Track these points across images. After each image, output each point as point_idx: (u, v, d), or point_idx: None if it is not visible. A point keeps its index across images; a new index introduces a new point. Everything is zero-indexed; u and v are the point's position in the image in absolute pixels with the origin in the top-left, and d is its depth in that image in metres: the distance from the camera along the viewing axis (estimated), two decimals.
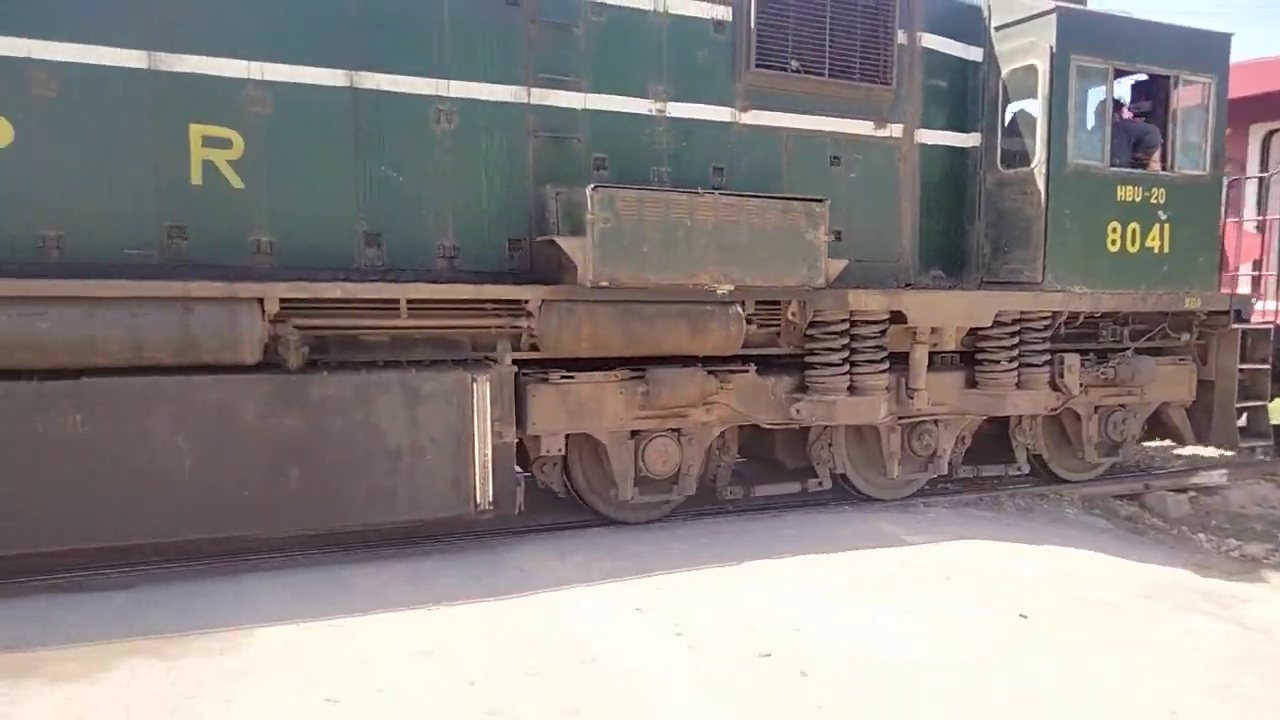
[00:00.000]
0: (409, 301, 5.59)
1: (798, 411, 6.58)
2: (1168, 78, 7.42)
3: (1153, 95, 7.72)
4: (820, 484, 7.18)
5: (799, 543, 6.00)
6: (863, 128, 7.03)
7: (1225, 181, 8.24)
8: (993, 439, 7.91)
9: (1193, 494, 8.16)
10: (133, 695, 3.74)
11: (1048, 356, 7.34)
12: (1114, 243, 7.38)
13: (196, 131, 5.30)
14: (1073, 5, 7.14)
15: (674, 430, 6.38)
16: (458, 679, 3.97)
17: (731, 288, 6.09)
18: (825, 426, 6.98)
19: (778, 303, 6.61)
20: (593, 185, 5.66)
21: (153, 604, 4.75)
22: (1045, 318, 7.27)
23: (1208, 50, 7.52)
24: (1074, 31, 7.01)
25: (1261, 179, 10.71)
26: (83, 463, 4.78)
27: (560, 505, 6.65)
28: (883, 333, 6.73)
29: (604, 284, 5.70)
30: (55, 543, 4.83)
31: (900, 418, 7.06)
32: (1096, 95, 7.45)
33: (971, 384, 7.26)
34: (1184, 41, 7.47)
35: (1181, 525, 7.55)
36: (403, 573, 5.34)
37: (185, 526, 5.04)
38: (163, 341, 4.87)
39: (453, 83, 5.85)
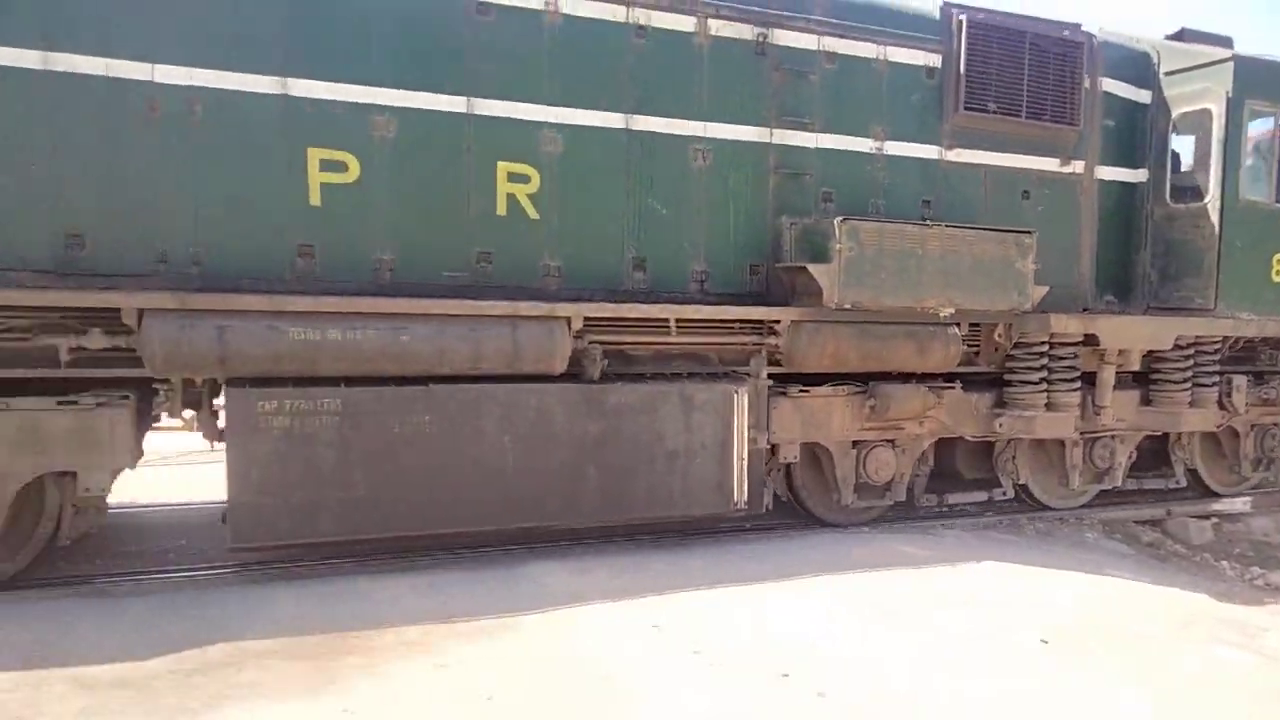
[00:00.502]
0: (678, 320, 6.24)
1: (1000, 425, 7.17)
2: None
3: None
4: (1004, 493, 7.76)
5: (818, 564, 5.92)
6: (1050, 164, 7.64)
7: None
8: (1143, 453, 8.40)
9: (1215, 521, 8.06)
10: None
11: (1216, 378, 7.89)
12: (1277, 273, 7.94)
13: (503, 169, 6.00)
14: (1245, 54, 7.74)
15: (889, 441, 6.98)
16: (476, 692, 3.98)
17: (953, 311, 6.71)
18: (1008, 440, 7.56)
19: (979, 325, 7.22)
20: (841, 218, 6.31)
21: (174, 609, 4.87)
22: (1217, 342, 7.83)
23: None
24: (1249, 78, 7.60)
25: None
26: (430, 458, 5.46)
27: (779, 508, 7.25)
28: (1076, 354, 7.31)
29: (847, 306, 6.33)
30: (406, 528, 5.50)
31: (1084, 432, 7.63)
32: (1255, 132, 8.03)
33: (1146, 402, 7.81)
34: None
35: (1204, 552, 7.43)
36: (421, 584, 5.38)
37: (507, 516, 5.70)
38: (496, 353, 5.54)
39: (709, 124, 6.52)
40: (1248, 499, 8.47)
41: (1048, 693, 4.19)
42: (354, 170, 5.66)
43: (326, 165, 5.59)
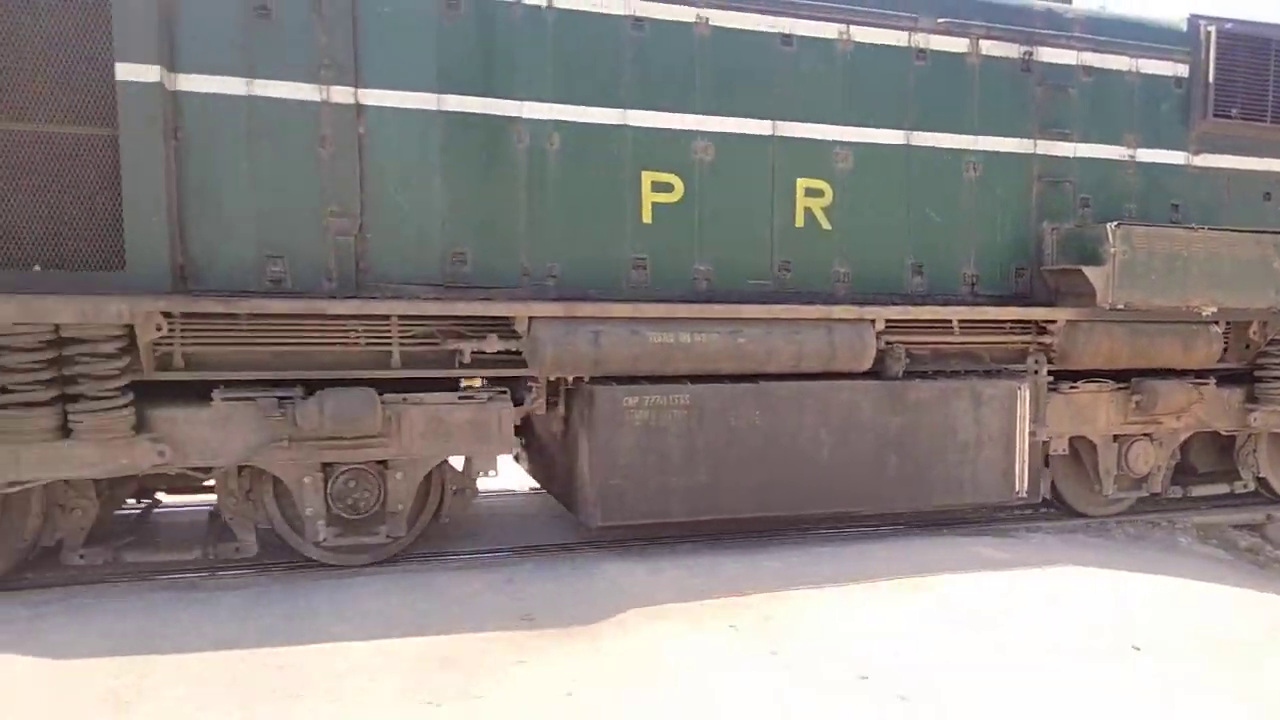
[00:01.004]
0: (959, 321, 6.71)
1: (1254, 420, 7.43)
2: None
3: None
4: (1245, 485, 7.99)
5: (893, 565, 5.87)
6: None
7: None
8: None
9: None
10: None
11: None
12: None
13: (801, 184, 6.56)
14: None
15: (1148, 435, 7.32)
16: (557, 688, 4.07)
17: (1215, 309, 7.02)
18: (1249, 435, 7.80)
19: (1230, 322, 7.49)
20: (1115, 223, 6.70)
21: (267, 603, 5.07)
22: None
23: None
24: None
25: None
26: (759, 448, 6.05)
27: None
28: None
29: (1120, 306, 6.71)
30: (739, 511, 6.10)
31: None
32: None
33: None
34: None
35: None
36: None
37: (820, 502, 6.26)
38: (815, 353, 6.11)
39: (979, 138, 6.98)
40: None
41: (1139, 699, 4.07)
42: (679, 190, 6.29)
43: (657, 186, 6.24)
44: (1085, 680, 4.26)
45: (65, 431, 4.89)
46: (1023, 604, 5.25)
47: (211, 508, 6.57)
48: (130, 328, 4.96)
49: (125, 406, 4.97)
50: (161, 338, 5.09)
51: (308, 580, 5.48)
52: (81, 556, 5.34)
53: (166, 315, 5.04)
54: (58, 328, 4.85)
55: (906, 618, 4.96)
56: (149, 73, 5.10)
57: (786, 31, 6.43)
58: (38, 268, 4.98)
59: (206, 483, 5.83)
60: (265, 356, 5.47)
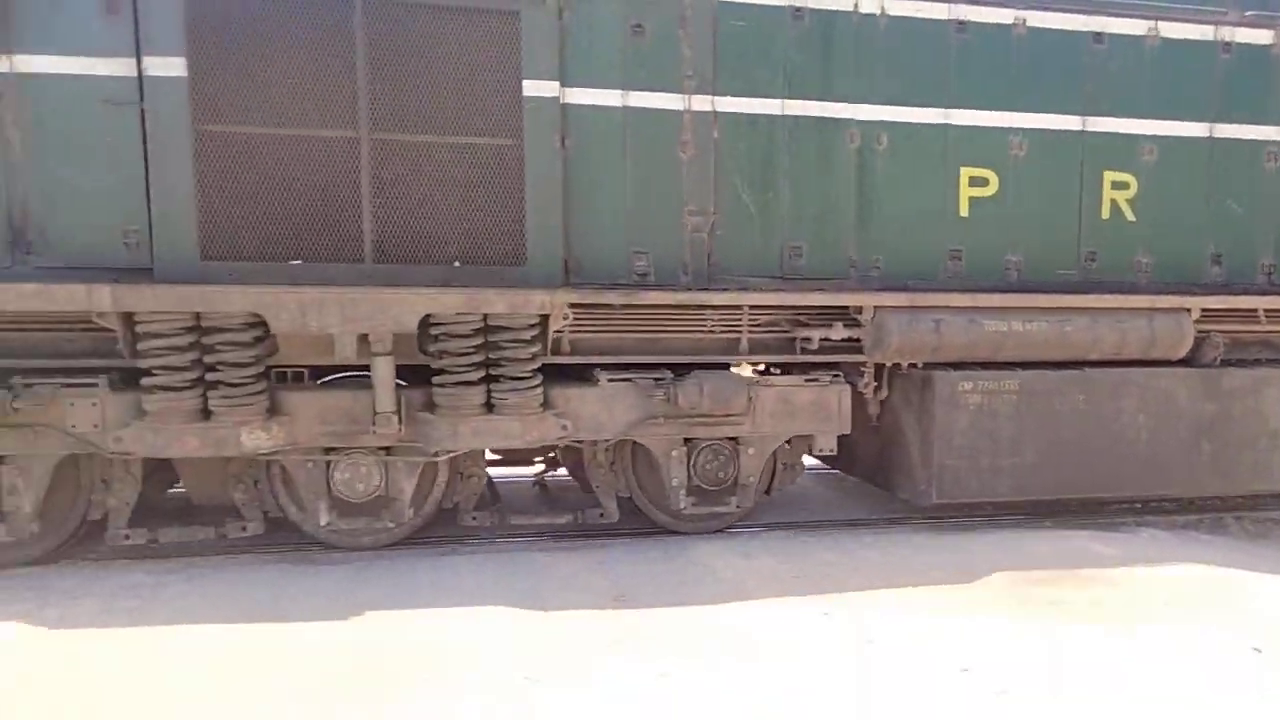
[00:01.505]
0: (1265, 310, 6.80)
1: None
2: None
3: None
4: None
5: (995, 560, 5.75)
6: None
7: None
8: None
9: None
10: None
11: None
12: None
13: (1108, 177, 6.76)
14: None
15: None
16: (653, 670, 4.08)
17: None
18: None
19: None
20: None
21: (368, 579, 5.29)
22: None
23: None
24: None
25: None
26: (1081, 431, 6.32)
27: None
28: None
29: None
30: (1061, 492, 6.39)
31: None
32: None
33: None
34: None
35: None
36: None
37: (1135, 485, 6.49)
38: (1136, 341, 6.33)
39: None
40: None
41: (1261, 703, 3.94)
42: (993, 184, 6.58)
43: (973, 181, 6.54)
44: (1199, 680, 4.11)
45: (489, 408, 5.54)
46: (1133, 602, 5.10)
47: (535, 479, 7.25)
48: (545, 317, 5.58)
49: (538, 386, 5.59)
50: (559, 326, 5.70)
51: (409, 558, 5.73)
52: (474, 519, 6.03)
53: (572, 306, 5.64)
54: (485, 317, 5.50)
55: (1008, 614, 4.85)
56: (549, 88, 5.69)
57: (1098, 30, 6.62)
58: (457, 263, 5.64)
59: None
60: (631, 343, 6.04)
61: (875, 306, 6.05)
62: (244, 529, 5.72)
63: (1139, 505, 7.14)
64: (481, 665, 4.10)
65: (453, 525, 6.12)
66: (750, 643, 4.42)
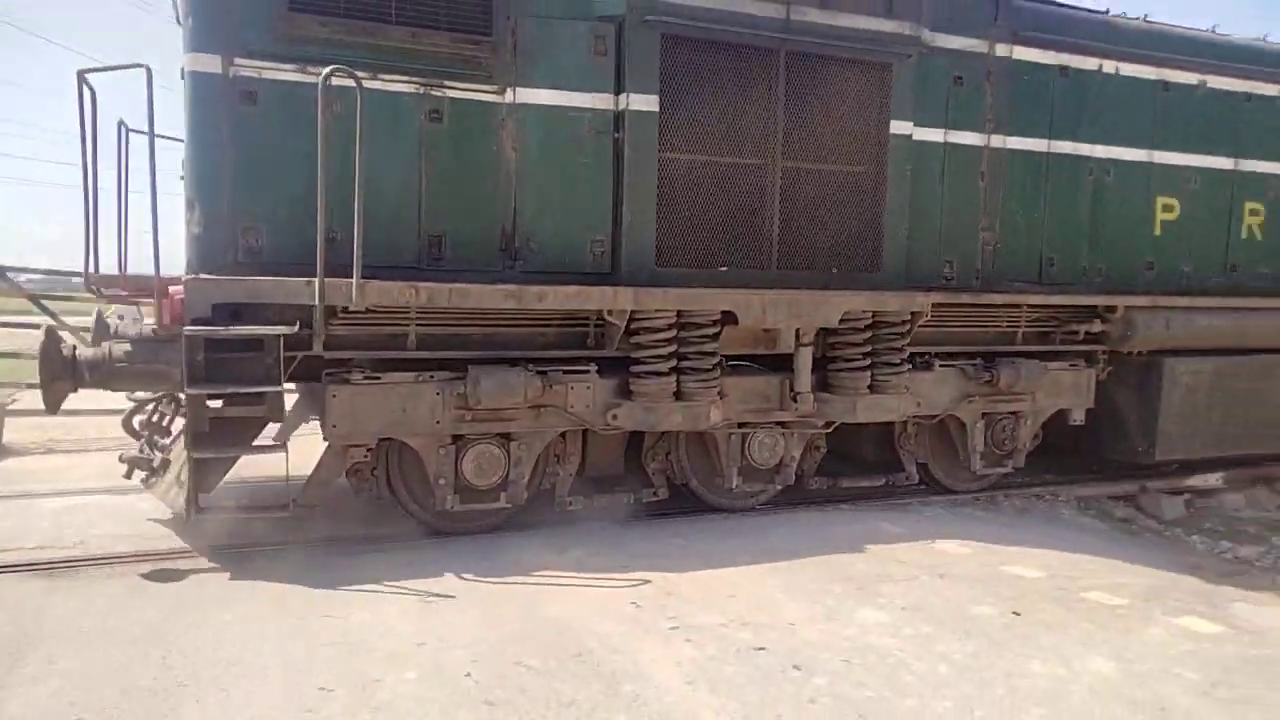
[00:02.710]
0: None
1: None
2: None
3: None
4: None
5: (794, 540, 6.12)
6: None
7: None
8: None
9: (1188, 496, 8.38)
10: None
11: None
12: None
13: (1247, 206, 8.73)
14: None
15: None
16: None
17: None
18: None
19: None
20: None
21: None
22: None
23: None
24: None
25: None
26: (1249, 403, 8.26)
27: None
28: None
29: None
30: (1243, 449, 8.32)
31: None
32: None
33: None
34: None
35: (1176, 528, 7.74)
36: None
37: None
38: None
39: None
40: (1220, 475, 8.63)
41: (1019, 659, 4.33)
42: (1176, 210, 8.40)
43: (1164, 208, 8.34)
44: (970, 641, 4.52)
45: (872, 388, 6.82)
46: (916, 575, 5.51)
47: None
48: (915, 314, 6.90)
49: (906, 370, 6.92)
50: (921, 322, 7.02)
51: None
52: (814, 484, 7.28)
53: (934, 305, 6.99)
54: (874, 314, 6.77)
55: (804, 591, 5.15)
56: (906, 127, 6.99)
57: (1249, 91, 8.55)
58: (835, 270, 6.87)
59: None
60: (943, 335, 7.46)
61: (1125, 306, 7.73)
62: (655, 494, 6.74)
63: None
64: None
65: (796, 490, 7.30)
66: (557, 630, 4.53)
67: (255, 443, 5.56)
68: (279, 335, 5.11)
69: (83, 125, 5.18)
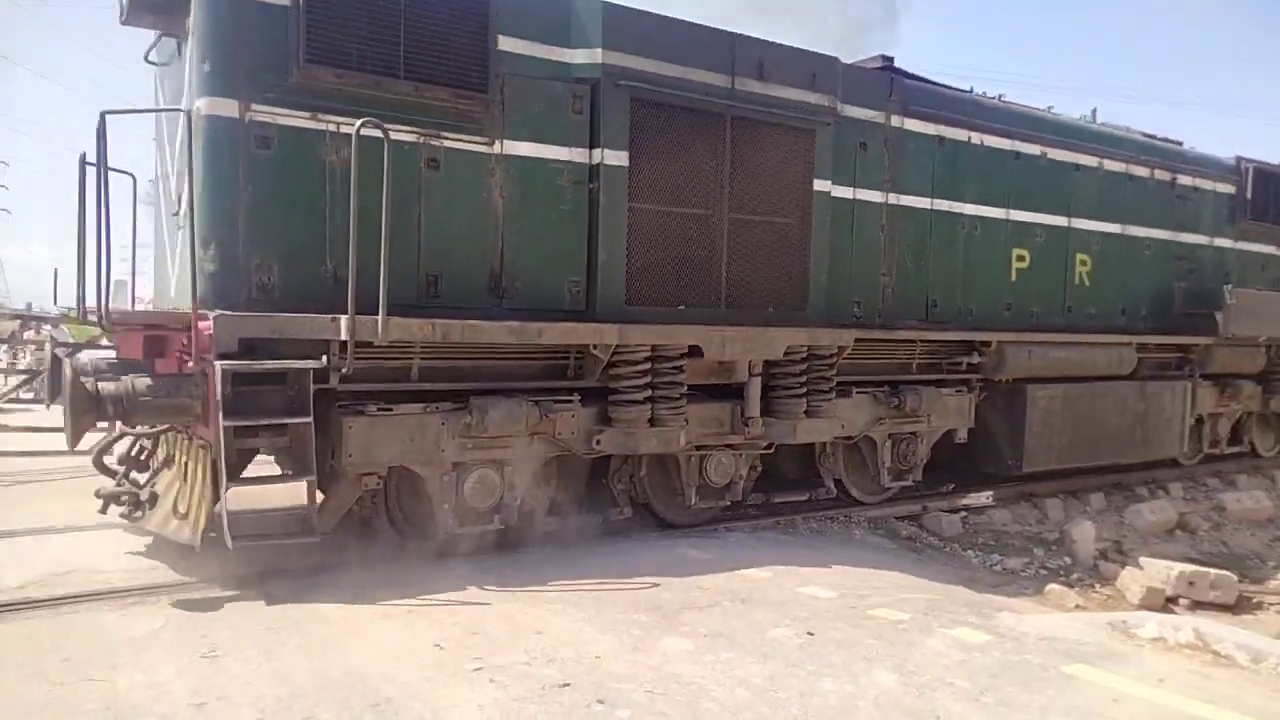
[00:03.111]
0: (1154, 344, 10.88)
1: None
2: None
3: None
4: None
5: (604, 571, 6.14)
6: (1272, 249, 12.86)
7: None
8: None
9: (964, 514, 9.08)
10: None
11: None
12: None
13: (1078, 256, 10.42)
14: None
15: (1223, 410, 11.91)
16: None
17: (1264, 337, 11.72)
18: None
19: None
20: (1229, 285, 11.18)
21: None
22: None
23: None
24: None
25: None
26: (1088, 422, 9.84)
27: None
28: None
29: (1230, 336, 11.19)
30: (1082, 461, 9.85)
31: None
32: None
33: None
34: None
35: (954, 543, 8.42)
36: None
37: (1111, 455, 10.14)
38: (1113, 364, 9.99)
39: (1150, 230, 11.22)
40: (989, 493, 9.52)
41: (811, 678, 4.48)
42: (1027, 260, 9.95)
43: (1018, 258, 9.85)
44: (768, 664, 4.61)
45: (807, 413, 7.72)
46: (719, 602, 5.60)
47: None
48: (842, 348, 7.88)
49: (833, 398, 7.88)
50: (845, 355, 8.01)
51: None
52: (751, 498, 8.09)
53: (857, 340, 8.00)
54: (809, 348, 7.69)
55: (610, 622, 5.14)
56: (827, 185, 8.03)
57: (1076, 162, 10.28)
58: (771, 309, 7.76)
59: None
60: (852, 366, 8.50)
61: (998, 341, 9.09)
62: (621, 513, 7.31)
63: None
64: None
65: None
66: (359, 682, 4.26)
67: (243, 475, 5.71)
68: (309, 369, 5.35)
69: (100, 165, 5.24)
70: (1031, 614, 6.03)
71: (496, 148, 6.49)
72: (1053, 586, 7.39)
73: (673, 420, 6.90)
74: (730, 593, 5.82)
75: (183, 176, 5.79)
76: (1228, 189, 12.16)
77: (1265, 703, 4.47)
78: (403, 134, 6.10)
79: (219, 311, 5.31)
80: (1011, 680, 4.56)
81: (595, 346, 6.59)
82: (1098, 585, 7.80)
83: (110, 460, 6.40)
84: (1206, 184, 11.90)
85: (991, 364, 9.16)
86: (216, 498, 5.37)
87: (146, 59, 6.96)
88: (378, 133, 5.53)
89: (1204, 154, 12.17)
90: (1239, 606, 7.51)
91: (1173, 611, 7.12)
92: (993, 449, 9.58)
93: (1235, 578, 7.71)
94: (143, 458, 6.37)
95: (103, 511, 6.16)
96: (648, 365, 6.82)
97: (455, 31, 6.18)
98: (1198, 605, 7.36)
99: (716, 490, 7.60)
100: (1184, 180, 11.54)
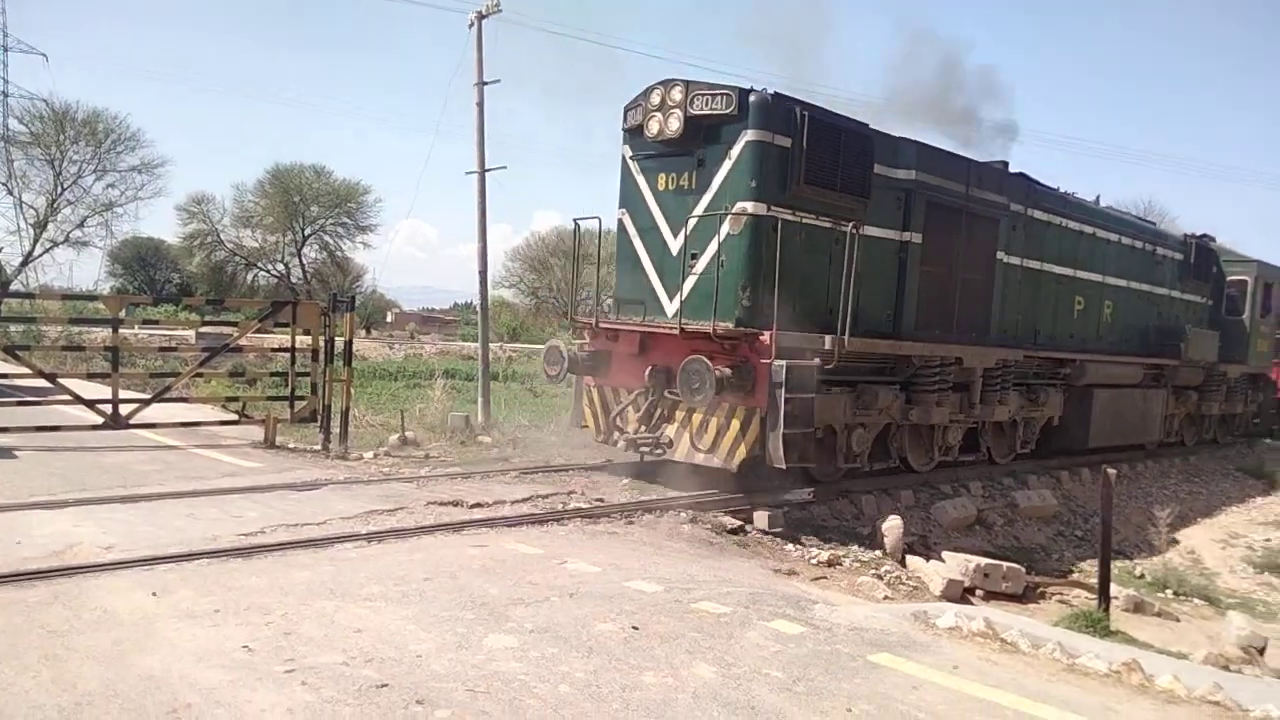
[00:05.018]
0: (1145, 364, 15.89)
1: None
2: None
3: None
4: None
5: (427, 566, 6.03)
6: (1197, 298, 18.29)
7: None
8: None
9: (787, 509, 9.18)
10: None
11: None
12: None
13: (1106, 304, 15.25)
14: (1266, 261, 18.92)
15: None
16: None
17: (1204, 360, 17.03)
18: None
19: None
20: (1188, 325, 16.38)
21: None
22: None
23: None
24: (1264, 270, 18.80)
25: None
26: (1116, 415, 14.65)
27: None
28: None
29: (1192, 359, 16.38)
30: (1116, 441, 14.63)
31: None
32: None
33: None
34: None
35: (777, 538, 8.49)
36: None
37: (1126, 437, 15.01)
38: (1134, 375, 14.84)
39: (1142, 284, 16.25)
40: (810, 490, 9.72)
41: (634, 672, 4.50)
42: (1083, 304, 14.61)
43: (1078, 302, 14.50)
44: (594, 659, 4.63)
45: (1000, 400, 11.98)
46: (546, 597, 5.56)
47: None
48: (1015, 361, 12.19)
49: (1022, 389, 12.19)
50: None
51: None
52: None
53: (1025, 356, 12.34)
54: (1002, 361, 11.94)
55: (433, 619, 5.03)
56: (1004, 256, 12.32)
57: (1107, 237, 15.07)
58: (973, 334, 11.97)
59: None
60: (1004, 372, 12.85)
61: (1081, 359, 13.69)
62: (887, 466, 11.34)
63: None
64: None
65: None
66: (175, 691, 4.00)
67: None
68: (816, 366, 9.10)
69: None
70: (844, 605, 6.25)
71: (863, 230, 10.40)
72: (864, 578, 7.65)
73: (945, 403, 11.00)
74: (559, 588, 5.83)
75: (710, 242, 9.33)
76: (1179, 256, 17.40)
77: (1043, 685, 4.84)
78: (825, 222, 9.89)
79: (776, 329, 8.96)
80: (822, 670, 4.74)
81: (911, 356, 10.60)
82: (904, 577, 8.11)
83: (623, 422, 9.86)
84: (1168, 253, 17.07)
85: (1076, 374, 13.76)
86: (753, 441, 9.00)
87: (629, 154, 10.39)
88: (850, 229, 9.37)
89: (1168, 231, 17.39)
90: (1026, 596, 8.44)
91: (969, 602, 7.79)
92: (1063, 432, 14.18)
93: (1023, 570, 8.74)
94: (653, 418, 9.84)
95: (637, 453, 9.65)
96: (937, 368, 10.89)
97: (858, 162, 10.03)
98: (991, 595, 8.12)
99: (945, 449, 11.77)
100: (1160, 250, 16.64)
